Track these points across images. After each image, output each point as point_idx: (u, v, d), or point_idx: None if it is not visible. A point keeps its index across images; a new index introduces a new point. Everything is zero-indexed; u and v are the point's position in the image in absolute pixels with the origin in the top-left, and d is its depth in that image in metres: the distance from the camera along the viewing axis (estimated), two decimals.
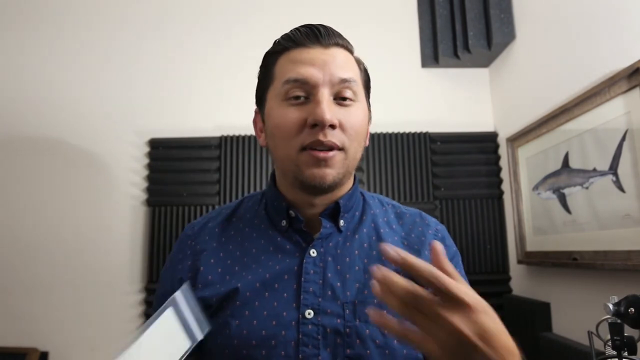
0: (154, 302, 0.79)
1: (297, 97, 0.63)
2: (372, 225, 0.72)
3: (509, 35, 1.66)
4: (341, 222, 0.70)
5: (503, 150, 1.75)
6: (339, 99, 0.64)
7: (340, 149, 0.63)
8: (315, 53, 0.64)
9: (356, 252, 0.68)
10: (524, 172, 1.57)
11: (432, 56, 1.86)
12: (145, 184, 1.73)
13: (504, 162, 1.74)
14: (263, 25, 1.83)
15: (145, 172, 1.74)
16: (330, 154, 0.62)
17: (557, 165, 1.36)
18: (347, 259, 0.67)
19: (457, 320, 0.41)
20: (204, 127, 1.77)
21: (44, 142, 1.74)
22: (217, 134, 1.76)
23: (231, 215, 0.77)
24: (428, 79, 1.87)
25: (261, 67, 0.72)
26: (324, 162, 0.62)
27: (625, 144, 1.07)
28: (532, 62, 1.56)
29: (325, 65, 0.63)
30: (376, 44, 1.86)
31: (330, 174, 0.63)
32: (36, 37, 1.81)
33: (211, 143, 1.74)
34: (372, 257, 0.68)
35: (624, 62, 1.08)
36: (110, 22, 1.84)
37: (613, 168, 1.11)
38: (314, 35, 0.65)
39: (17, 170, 1.73)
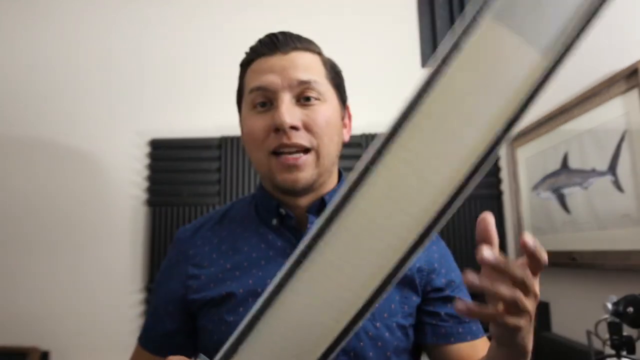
0: (149, 309, 0.80)
1: (263, 104, 0.66)
2: None
3: None
4: None
5: (502, 150, 1.76)
6: (303, 99, 0.66)
7: (309, 149, 0.64)
8: (274, 60, 0.67)
9: None
10: (523, 172, 1.57)
11: (432, 56, 1.87)
12: (145, 184, 1.73)
13: (503, 162, 1.75)
14: (264, 25, 1.83)
15: (146, 172, 1.74)
16: (300, 159, 0.64)
17: (557, 165, 1.36)
18: None
19: (531, 305, 0.45)
20: (204, 127, 1.77)
21: (44, 141, 1.75)
22: (218, 134, 1.76)
23: (223, 218, 0.78)
24: None
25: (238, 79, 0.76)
26: (294, 168, 0.64)
27: (624, 145, 1.08)
28: None
29: (283, 71, 0.65)
30: (376, 44, 1.86)
31: (302, 177, 0.64)
32: (36, 34, 1.81)
33: (211, 143, 1.74)
34: None
35: (623, 62, 1.08)
36: (110, 21, 1.84)
37: (612, 168, 1.12)
38: (272, 43, 0.68)
39: (17, 169, 1.73)
